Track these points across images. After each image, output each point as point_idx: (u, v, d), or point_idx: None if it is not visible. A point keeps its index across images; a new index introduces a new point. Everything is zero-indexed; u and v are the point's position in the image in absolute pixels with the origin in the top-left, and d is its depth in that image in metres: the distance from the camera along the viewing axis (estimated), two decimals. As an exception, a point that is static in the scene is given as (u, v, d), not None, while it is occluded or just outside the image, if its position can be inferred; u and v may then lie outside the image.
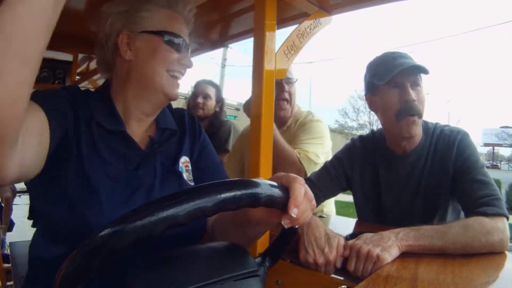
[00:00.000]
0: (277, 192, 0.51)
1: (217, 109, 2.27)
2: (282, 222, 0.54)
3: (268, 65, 1.11)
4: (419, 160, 1.17)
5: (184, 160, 0.86)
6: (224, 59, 14.58)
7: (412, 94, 1.12)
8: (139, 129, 0.84)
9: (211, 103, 2.25)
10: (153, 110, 0.84)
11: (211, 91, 2.27)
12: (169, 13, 0.81)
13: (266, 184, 0.50)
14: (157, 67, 0.78)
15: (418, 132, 1.15)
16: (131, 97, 0.81)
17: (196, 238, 0.83)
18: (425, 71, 1.13)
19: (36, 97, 0.66)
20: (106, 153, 0.75)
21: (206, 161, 0.91)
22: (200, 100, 2.24)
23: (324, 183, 1.29)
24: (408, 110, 1.12)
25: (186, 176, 0.85)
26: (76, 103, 0.76)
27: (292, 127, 1.70)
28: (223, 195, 0.45)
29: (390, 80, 1.13)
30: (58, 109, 0.71)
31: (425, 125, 1.20)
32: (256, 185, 0.49)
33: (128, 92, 0.81)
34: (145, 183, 0.77)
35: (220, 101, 2.29)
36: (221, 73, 14.44)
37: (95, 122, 0.76)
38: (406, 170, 1.19)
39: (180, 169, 0.84)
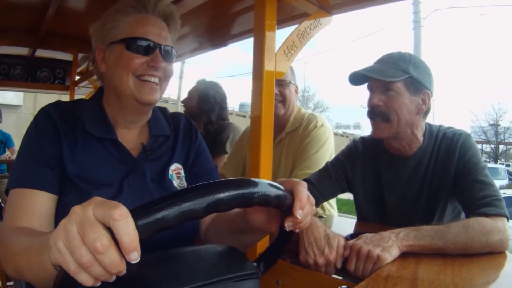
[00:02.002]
0: (284, 194, 0.52)
1: (204, 108, 2.15)
2: (286, 225, 0.54)
3: (268, 65, 1.11)
4: (422, 162, 1.17)
5: (174, 168, 0.86)
6: (182, 72, 18.73)
7: (375, 98, 1.13)
8: (130, 135, 0.85)
9: (192, 102, 2.20)
10: (135, 117, 0.85)
11: (195, 90, 2.22)
12: (136, 18, 0.80)
13: (275, 186, 0.51)
14: (122, 74, 0.78)
15: (385, 135, 1.14)
16: (114, 107, 0.84)
17: (188, 242, 0.83)
18: (376, 79, 1.11)
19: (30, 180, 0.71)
20: (97, 160, 0.77)
21: (200, 168, 0.91)
22: (185, 100, 2.26)
23: (324, 185, 1.28)
24: (369, 113, 1.16)
25: (177, 183, 0.85)
26: (58, 121, 0.77)
27: (296, 132, 1.66)
28: (240, 191, 0.45)
29: (367, 84, 1.18)
30: (47, 147, 0.74)
31: (429, 127, 1.20)
32: (267, 185, 0.49)
33: (111, 102, 0.84)
34: (137, 188, 0.78)
35: (203, 100, 2.16)
36: (179, 83, 18.55)
37: (86, 131, 0.79)
38: (408, 172, 1.19)
39: (170, 177, 0.84)
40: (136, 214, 0.38)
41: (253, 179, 0.49)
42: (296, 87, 1.72)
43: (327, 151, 1.59)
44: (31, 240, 0.57)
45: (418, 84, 1.12)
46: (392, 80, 1.10)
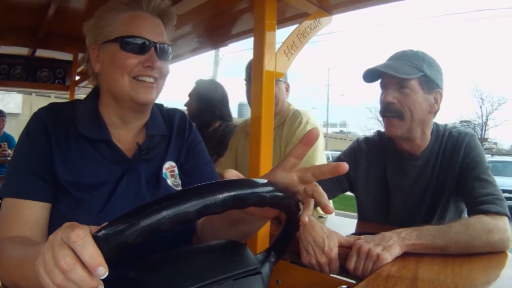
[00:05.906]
0: (291, 202, 0.55)
1: (202, 109, 2.13)
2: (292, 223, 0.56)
3: (268, 65, 1.11)
4: (429, 162, 1.17)
5: (168, 166, 0.85)
6: (217, 57, 18.89)
7: (389, 95, 1.12)
8: (126, 136, 0.83)
9: (190, 102, 2.19)
10: (131, 117, 0.83)
11: (193, 91, 2.21)
12: (130, 16, 0.78)
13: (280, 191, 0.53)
14: (117, 75, 0.76)
15: (399, 133, 1.14)
16: (110, 107, 0.82)
17: (186, 239, 0.83)
18: (390, 76, 1.10)
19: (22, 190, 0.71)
20: (90, 163, 0.76)
21: (192, 163, 0.89)
22: (186, 103, 2.24)
23: (324, 185, 1.27)
24: (383, 111, 1.16)
25: (172, 181, 0.84)
26: (50, 126, 0.76)
27: (281, 129, 1.64)
28: (257, 190, 0.47)
29: (380, 80, 1.17)
30: (40, 153, 0.73)
31: (436, 126, 1.20)
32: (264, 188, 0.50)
33: (107, 102, 0.82)
34: (130, 191, 0.77)
35: (200, 100, 2.14)
36: (214, 71, 18.11)
37: (79, 133, 0.77)
38: (416, 172, 1.19)
39: (164, 175, 0.83)
40: (100, 231, 0.40)
41: (254, 179, 0.49)
42: (288, 85, 1.71)
43: (315, 149, 1.55)
44: (24, 253, 0.58)
45: (432, 83, 1.13)
46: (407, 78, 1.10)
